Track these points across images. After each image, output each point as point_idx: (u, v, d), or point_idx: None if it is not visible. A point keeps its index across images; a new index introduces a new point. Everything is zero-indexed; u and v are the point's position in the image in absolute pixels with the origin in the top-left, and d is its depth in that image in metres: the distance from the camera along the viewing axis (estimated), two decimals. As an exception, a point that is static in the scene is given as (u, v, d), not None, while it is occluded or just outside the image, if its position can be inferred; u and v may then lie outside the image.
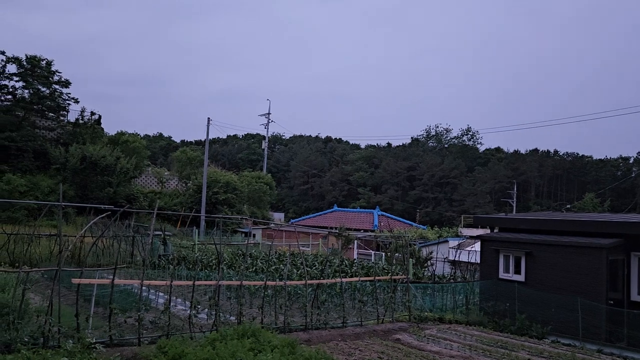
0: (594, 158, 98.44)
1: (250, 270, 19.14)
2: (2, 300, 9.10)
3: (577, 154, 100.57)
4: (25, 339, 8.47)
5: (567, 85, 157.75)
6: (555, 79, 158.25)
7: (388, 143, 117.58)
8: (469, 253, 24.25)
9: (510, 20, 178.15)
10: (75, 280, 9.63)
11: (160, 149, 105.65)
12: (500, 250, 17.08)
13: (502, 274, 16.93)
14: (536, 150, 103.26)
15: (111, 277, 10.46)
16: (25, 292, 9.36)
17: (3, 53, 40.57)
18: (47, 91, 42.62)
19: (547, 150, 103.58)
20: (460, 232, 39.50)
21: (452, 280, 20.84)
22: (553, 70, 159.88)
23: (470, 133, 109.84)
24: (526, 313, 15.29)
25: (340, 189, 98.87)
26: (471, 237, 29.03)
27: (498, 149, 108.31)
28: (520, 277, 16.33)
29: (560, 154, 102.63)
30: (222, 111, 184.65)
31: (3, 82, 41.82)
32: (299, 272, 18.39)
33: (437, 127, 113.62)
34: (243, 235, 41.56)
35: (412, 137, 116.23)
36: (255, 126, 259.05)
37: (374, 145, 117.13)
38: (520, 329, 15.03)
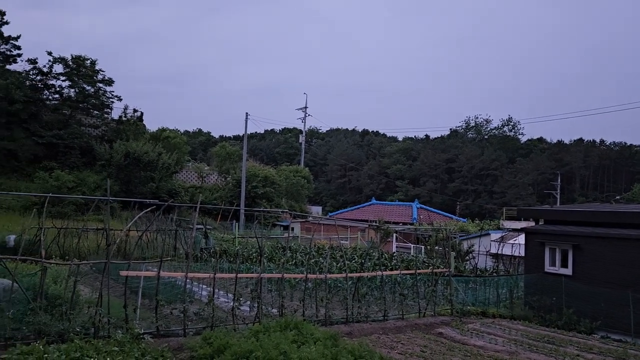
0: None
1: (290, 263, 19.25)
2: (55, 291, 9.44)
3: (625, 143, 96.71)
4: (77, 329, 8.77)
5: (613, 71, 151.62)
6: (601, 66, 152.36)
7: (426, 135, 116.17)
8: (512, 246, 23.67)
9: (552, 5, 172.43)
10: (123, 273, 9.90)
11: (200, 144, 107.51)
12: (545, 243, 16.60)
13: (547, 268, 16.46)
14: (581, 140, 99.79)
15: (155, 269, 10.70)
16: (76, 284, 9.69)
17: (50, 54, 42.09)
18: (92, 90, 44.02)
19: (593, 140, 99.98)
20: (502, 224, 38.59)
21: (494, 274, 20.40)
22: (598, 57, 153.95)
23: (512, 123, 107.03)
24: (574, 308, 14.83)
25: (378, 182, 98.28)
26: (514, 230, 28.30)
27: (540, 140, 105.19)
28: (568, 271, 15.83)
29: (607, 143, 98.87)
30: (260, 106, 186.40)
31: (51, 82, 43.39)
32: (338, 265, 18.39)
33: (477, 118, 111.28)
34: (282, 228, 41.90)
35: (450, 129, 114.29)
36: (293, 120, 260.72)
37: (412, 138, 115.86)
38: (567, 324, 14.60)
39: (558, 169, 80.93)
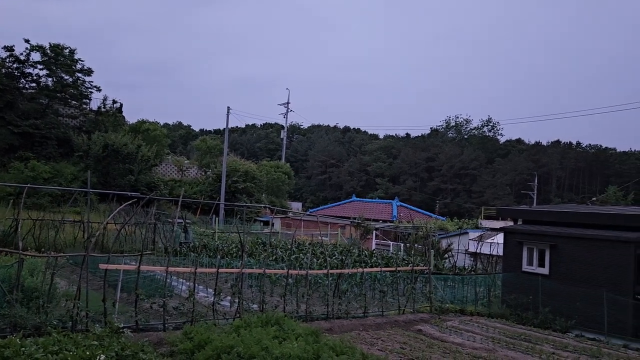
0: (618, 150, 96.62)
1: (271, 258, 19.20)
2: (32, 284, 9.25)
3: (601, 146, 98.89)
4: (55, 322, 8.61)
5: (591, 74, 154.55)
6: (579, 68, 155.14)
7: (407, 133, 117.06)
8: (490, 245, 23.99)
9: (529, 6, 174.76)
10: (103, 266, 9.75)
11: (180, 137, 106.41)
12: (523, 243, 16.85)
13: (525, 267, 16.72)
14: (558, 142, 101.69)
15: (135, 263, 10.56)
16: (53, 277, 9.51)
17: (27, 41, 41.13)
18: (70, 79, 43.18)
19: (570, 142, 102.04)
20: (480, 223, 39.09)
21: (473, 273, 20.66)
22: (577, 60, 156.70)
23: (491, 124, 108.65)
24: (550, 306, 15.09)
25: (358, 179, 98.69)
26: (492, 229, 28.70)
27: (519, 140, 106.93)
28: (544, 270, 16.10)
29: (583, 145, 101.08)
30: (241, 100, 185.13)
31: (27, 70, 42.40)
32: (318, 262, 18.39)
33: (457, 117, 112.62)
34: (262, 224, 41.76)
35: (431, 128, 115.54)
36: (274, 115, 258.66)
37: (393, 136, 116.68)
38: (543, 322, 14.86)
39: (535, 170, 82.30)
